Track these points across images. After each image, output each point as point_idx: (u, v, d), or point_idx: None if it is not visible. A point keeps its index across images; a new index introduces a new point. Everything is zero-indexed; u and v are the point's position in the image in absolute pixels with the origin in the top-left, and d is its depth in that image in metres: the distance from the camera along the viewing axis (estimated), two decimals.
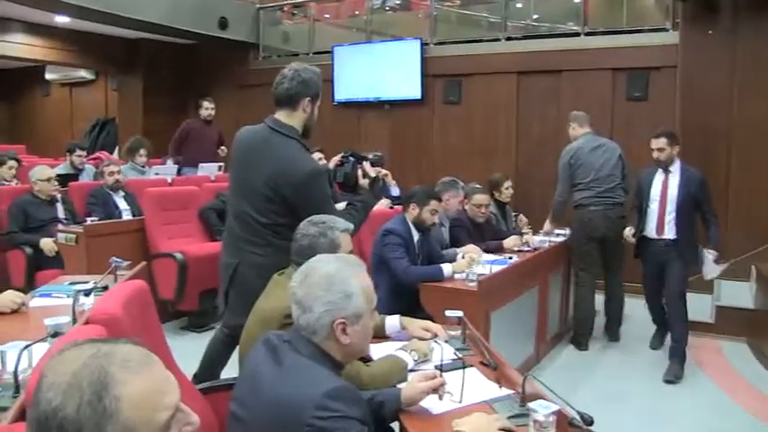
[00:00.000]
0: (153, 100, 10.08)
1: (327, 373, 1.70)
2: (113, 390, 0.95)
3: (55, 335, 2.15)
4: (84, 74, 12.23)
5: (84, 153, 7.37)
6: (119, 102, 11.18)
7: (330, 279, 1.79)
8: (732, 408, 4.24)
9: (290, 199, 2.89)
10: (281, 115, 3.02)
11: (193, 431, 1.07)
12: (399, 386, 2.10)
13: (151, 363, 1.03)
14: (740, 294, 5.98)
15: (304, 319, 1.77)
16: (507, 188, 5.90)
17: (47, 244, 5.14)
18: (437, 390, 1.99)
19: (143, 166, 7.17)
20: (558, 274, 5.39)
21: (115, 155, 9.80)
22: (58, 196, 5.55)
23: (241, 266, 3.02)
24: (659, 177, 5.06)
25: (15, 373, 1.85)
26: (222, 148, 7.86)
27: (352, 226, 2.59)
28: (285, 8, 10.29)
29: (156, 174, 7.06)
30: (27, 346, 1.93)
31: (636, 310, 5.94)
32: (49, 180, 5.42)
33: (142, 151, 7.19)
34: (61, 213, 5.48)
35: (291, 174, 2.88)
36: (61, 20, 8.84)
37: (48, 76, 12.60)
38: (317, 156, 6.04)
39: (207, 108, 7.85)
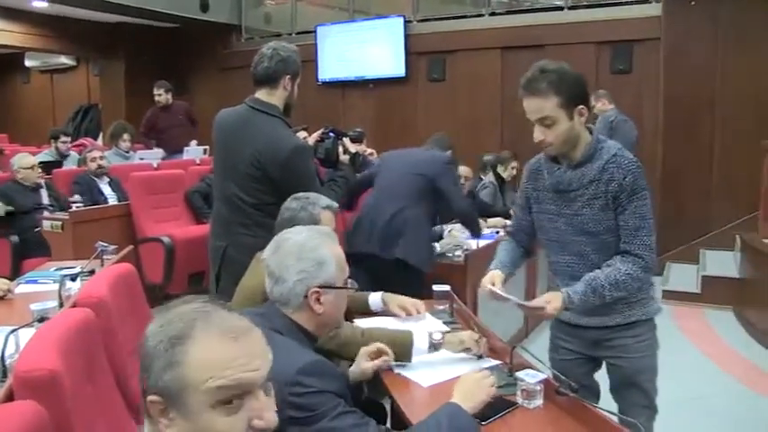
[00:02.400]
0: (136, 84, 9.93)
1: (300, 348, 1.69)
2: (186, 345, 1.05)
3: (41, 319, 2.14)
4: (64, 60, 12.08)
5: (69, 139, 7.29)
6: (101, 87, 11.06)
7: (301, 247, 1.79)
8: (718, 375, 4.30)
9: (275, 177, 2.86)
10: (262, 94, 3.00)
11: (265, 427, 1.09)
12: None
13: (238, 337, 1.10)
14: (725, 264, 6.04)
15: (277, 289, 1.77)
16: (513, 168, 6.05)
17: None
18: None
19: (127, 151, 7.12)
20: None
21: (99, 141, 9.72)
22: (42, 182, 5.49)
23: (230, 249, 2.98)
24: None
25: (2, 358, 1.84)
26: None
27: (336, 204, 2.59)
28: None
29: (141, 159, 7.01)
30: (13, 331, 1.93)
31: None
32: (32, 168, 5.34)
33: (125, 136, 7.12)
34: (46, 200, 5.42)
35: (276, 151, 2.86)
36: (38, 4, 8.71)
37: (27, 63, 12.45)
38: (301, 134, 6.02)
39: (155, 95, 7.69)
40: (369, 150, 6.60)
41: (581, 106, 2.09)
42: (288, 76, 2.98)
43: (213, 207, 3.23)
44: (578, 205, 2.15)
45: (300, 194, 2.54)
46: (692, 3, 6.55)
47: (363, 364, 2.01)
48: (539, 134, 2.10)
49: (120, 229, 5.30)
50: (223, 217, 3.04)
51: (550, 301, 2.12)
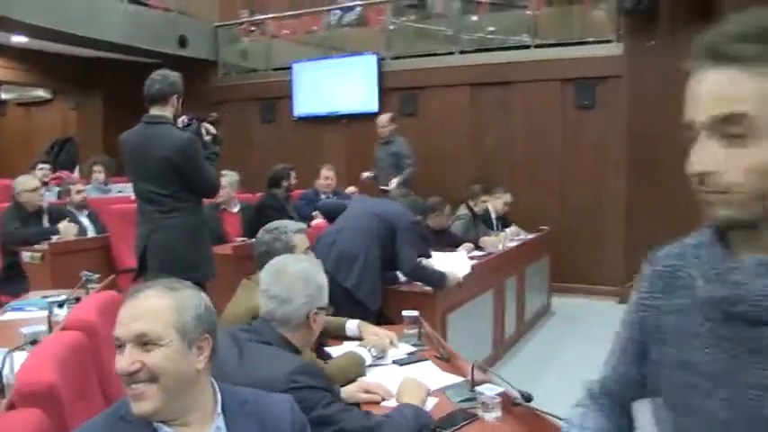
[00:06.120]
0: (114, 119, 10.00)
1: (291, 355, 1.94)
2: None
3: (33, 342, 2.27)
4: (41, 93, 12.17)
5: (48, 167, 7.41)
6: (78, 121, 11.15)
7: (307, 275, 2.05)
8: None
9: (179, 165, 3.53)
10: (155, 110, 3.67)
11: None
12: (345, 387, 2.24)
13: None
14: None
15: (282, 310, 2.00)
16: (484, 201, 6.40)
17: (67, 227, 5.25)
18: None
19: (106, 184, 7.24)
20: (514, 278, 5.61)
21: (76, 174, 9.79)
22: (45, 206, 5.44)
23: (154, 233, 3.64)
24: None
25: (0, 377, 1.97)
26: None
27: (304, 226, 2.93)
28: (243, 25, 10.43)
29: (120, 192, 7.13)
30: (11, 351, 2.06)
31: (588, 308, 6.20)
32: (35, 190, 5.30)
33: (96, 168, 7.29)
34: (47, 224, 5.38)
35: (176, 143, 3.54)
36: (17, 39, 8.81)
37: (3, 95, 12.49)
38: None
39: None
40: (352, 188, 6.92)
41: None
42: (175, 96, 3.71)
43: (137, 207, 3.85)
44: None
45: (268, 226, 2.85)
46: (651, 43, 6.87)
47: (358, 394, 2.22)
48: (704, 156, 0.92)
49: (99, 261, 5.38)
50: (146, 211, 3.71)
51: None
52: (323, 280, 2.10)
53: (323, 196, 6.77)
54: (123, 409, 1.43)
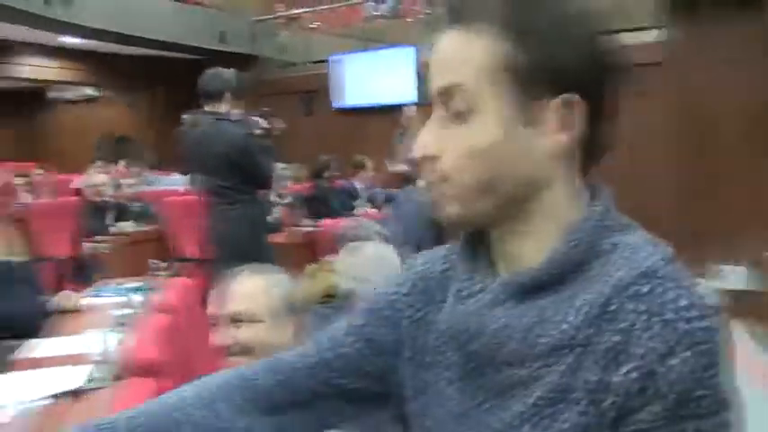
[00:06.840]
0: (162, 115, 10.28)
1: None
2: None
3: (122, 324, 2.50)
4: (89, 92, 12.47)
5: (107, 164, 7.77)
6: (129, 118, 11.50)
7: (382, 256, 2.30)
8: None
9: (237, 160, 3.73)
10: (210, 106, 3.85)
11: None
12: None
13: None
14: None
15: (361, 289, 2.19)
16: None
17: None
18: None
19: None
20: None
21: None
22: (111, 202, 5.67)
23: (219, 224, 3.82)
24: None
25: (107, 354, 2.19)
26: None
27: (385, 231, 3.19)
28: (280, 19, 10.60)
29: (170, 185, 7.41)
30: (108, 332, 2.28)
31: None
32: (102, 185, 5.52)
33: (122, 162, 7.65)
34: (110, 221, 5.67)
35: (232, 139, 3.77)
36: (69, 40, 9.09)
37: (53, 94, 12.85)
38: None
39: None
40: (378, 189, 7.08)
41: (570, 94, 0.68)
42: (229, 92, 3.86)
43: (202, 198, 4.04)
44: (513, 415, 0.68)
45: (357, 219, 3.47)
46: None
47: None
48: (427, 137, 0.73)
49: (157, 251, 5.59)
50: (210, 203, 3.92)
51: None
52: (397, 262, 2.30)
53: (359, 188, 6.97)
54: None
